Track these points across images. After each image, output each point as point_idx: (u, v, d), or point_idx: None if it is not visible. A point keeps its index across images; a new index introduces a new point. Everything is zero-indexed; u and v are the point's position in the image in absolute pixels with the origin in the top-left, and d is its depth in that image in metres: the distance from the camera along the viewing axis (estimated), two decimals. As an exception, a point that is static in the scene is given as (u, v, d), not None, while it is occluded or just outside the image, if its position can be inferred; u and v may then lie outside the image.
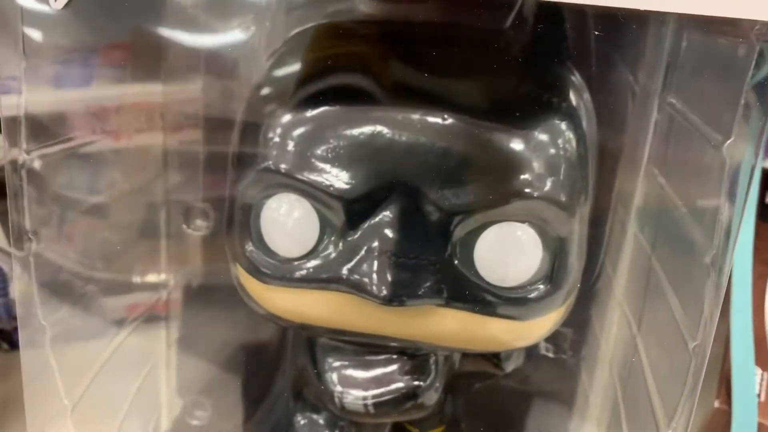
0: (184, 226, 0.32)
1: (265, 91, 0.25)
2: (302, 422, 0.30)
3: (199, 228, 0.32)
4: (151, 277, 0.35)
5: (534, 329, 0.25)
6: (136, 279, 0.35)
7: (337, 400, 0.27)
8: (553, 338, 0.31)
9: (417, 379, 0.27)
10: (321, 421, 0.30)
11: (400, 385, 0.27)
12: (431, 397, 0.27)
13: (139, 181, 0.34)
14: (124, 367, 0.34)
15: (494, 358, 0.30)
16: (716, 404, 0.41)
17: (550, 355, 0.31)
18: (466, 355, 0.30)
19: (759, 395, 0.42)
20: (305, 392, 0.31)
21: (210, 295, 0.35)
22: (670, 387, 0.23)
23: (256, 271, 0.25)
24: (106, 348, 0.33)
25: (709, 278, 0.21)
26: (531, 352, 0.31)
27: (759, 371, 0.43)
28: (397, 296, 0.23)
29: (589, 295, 0.29)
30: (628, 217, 0.29)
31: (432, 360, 0.27)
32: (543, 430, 0.34)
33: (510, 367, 0.30)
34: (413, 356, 0.27)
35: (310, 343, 0.28)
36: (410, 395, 0.27)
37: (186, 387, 0.35)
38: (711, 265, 0.21)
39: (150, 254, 0.34)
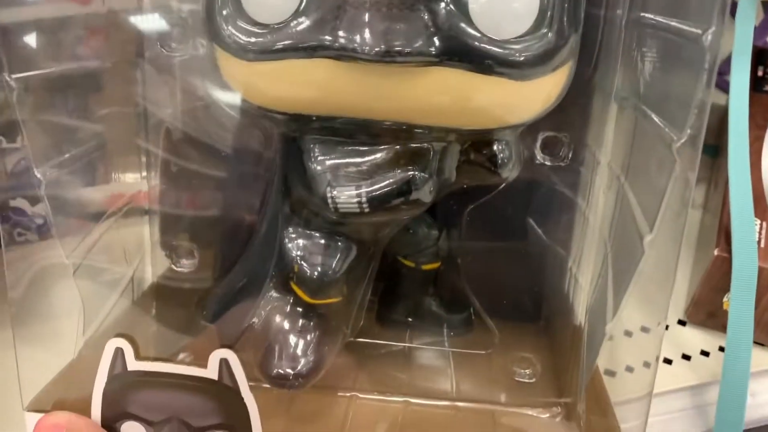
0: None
1: None
2: (293, 235, 0.29)
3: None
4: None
5: (533, 93, 0.24)
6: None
7: (330, 200, 0.26)
8: (549, 146, 0.30)
9: (411, 170, 0.26)
10: (316, 234, 0.29)
11: (394, 177, 0.26)
12: (426, 193, 0.26)
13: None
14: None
15: (491, 164, 0.29)
16: (716, 252, 0.41)
17: (547, 163, 0.30)
18: (461, 165, 0.29)
19: (759, 242, 0.42)
20: (296, 209, 0.29)
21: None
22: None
23: (238, 48, 0.24)
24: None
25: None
26: (528, 162, 0.30)
27: (758, 221, 0.42)
28: (389, 49, 0.21)
29: (586, 91, 0.28)
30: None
31: (427, 151, 0.26)
32: (540, 253, 0.33)
33: (506, 172, 0.29)
34: (408, 148, 0.26)
35: (299, 146, 0.27)
36: (405, 188, 0.26)
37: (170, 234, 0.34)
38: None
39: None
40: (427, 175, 0.26)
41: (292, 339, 0.30)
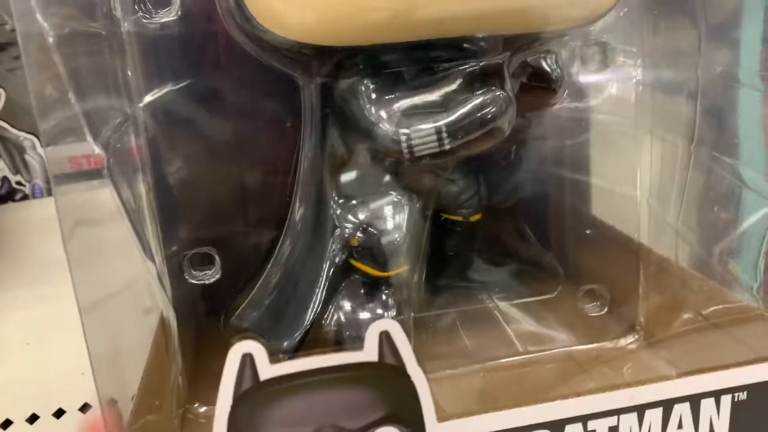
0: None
1: None
2: (343, 202, 0.25)
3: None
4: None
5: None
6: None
7: (403, 143, 0.23)
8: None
9: (492, 90, 0.23)
10: (374, 196, 0.25)
11: (472, 101, 0.23)
12: (506, 118, 0.23)
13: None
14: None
15: (546, 82, 0.27)
16: None
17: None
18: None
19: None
20: (344, 172, 0.25)
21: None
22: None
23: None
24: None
25: None
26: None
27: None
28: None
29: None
30: None
31: (500, 67, 0.24)
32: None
33: (560, 88, 0.27)
34: (478, 67, 0.23)
35: (343, 95, 0.23)
36: (489, 114, 0.23)
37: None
38: None
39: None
40: (508, 95, 0.23)
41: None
